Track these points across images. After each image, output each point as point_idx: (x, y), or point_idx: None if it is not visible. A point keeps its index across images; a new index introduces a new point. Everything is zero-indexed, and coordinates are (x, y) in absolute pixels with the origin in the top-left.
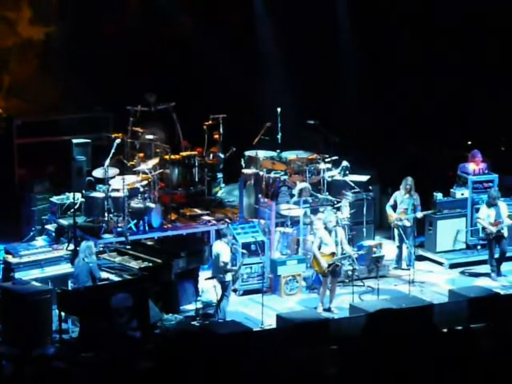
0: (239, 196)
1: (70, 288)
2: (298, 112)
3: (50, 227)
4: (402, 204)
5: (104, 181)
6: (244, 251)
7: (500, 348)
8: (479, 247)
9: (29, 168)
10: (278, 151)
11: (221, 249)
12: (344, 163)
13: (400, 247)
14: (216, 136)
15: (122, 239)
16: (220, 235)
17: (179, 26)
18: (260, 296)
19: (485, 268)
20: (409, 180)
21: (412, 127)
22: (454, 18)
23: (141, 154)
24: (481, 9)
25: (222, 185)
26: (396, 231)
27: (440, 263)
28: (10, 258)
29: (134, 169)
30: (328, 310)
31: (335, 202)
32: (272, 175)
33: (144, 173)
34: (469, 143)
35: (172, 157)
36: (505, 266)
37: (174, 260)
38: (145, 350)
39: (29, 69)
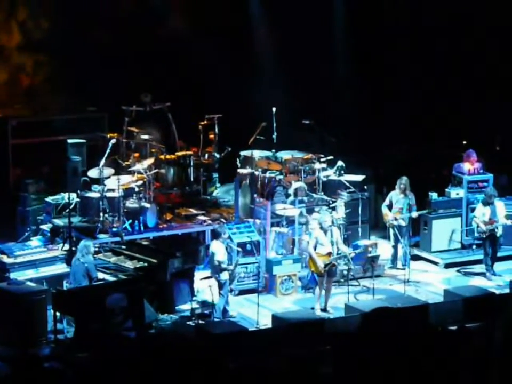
0: (234, 196)
1: (65, 288)
2: (294, 112)
3: (46, 227)
4: (397, 204)
5: (99, 181)
6: (239, 249)
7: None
8: (474, 246)
9: (24, 168)
10: (274, 150)
11: (216, 248)
12: (340, 163)
13: (395, 247)
14: (212, 136)
15: (118, 239)
16: (214, 235)
17: (174, 26)
18: (255, 296)
19: (481, 268)
20: (404, 179)
21: (407, 127)
22: (450, 18)
23: (136, 154)
24: (478, 10)
25: (218, 185)
26: (391, 230)
27: (436, 263)
28: (5, 259)
29: (129, 169)
30: (324, 310)
31: (331, 202)
32: (267, 174)
33: (139, 172)
34: (464, 142)
35: (167, 156)
36: (501, 266)
37: (169, 260)
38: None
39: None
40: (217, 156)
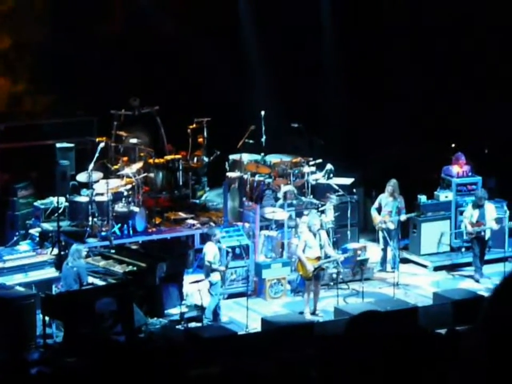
0: (223, 199)
1: (54, 292)
2: (283, 116)
3: (34, 232)
4: (386, 207)
5: (88, 185)
6: (229, 249)
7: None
8: (463, 249)
9: (13, 173)
10: (262, 154)
11: (207, 248)
12: (328, 166)
13: (384, 250)
14: (200, 139)
15: (107, 243)
16: (203, 238)
17: (163, 30)
18: (245, 300)
19: (470, 271)
20: (393, 182)
21: (396, 129)
22: (443, 19)
23: (125, 158)
24: (474, 10)
25: (207, 188)
26: (380, 233)
27: (425, 266)
28: None
29: (118, 173)
30: (313, 313)
31: (320, 205)
32: (256, 178)
33: (128, 176)
34: (453, 145)
35: (156, 160)
36: (490, 269)
37: (159, 264)
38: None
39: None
40: (206, 159)
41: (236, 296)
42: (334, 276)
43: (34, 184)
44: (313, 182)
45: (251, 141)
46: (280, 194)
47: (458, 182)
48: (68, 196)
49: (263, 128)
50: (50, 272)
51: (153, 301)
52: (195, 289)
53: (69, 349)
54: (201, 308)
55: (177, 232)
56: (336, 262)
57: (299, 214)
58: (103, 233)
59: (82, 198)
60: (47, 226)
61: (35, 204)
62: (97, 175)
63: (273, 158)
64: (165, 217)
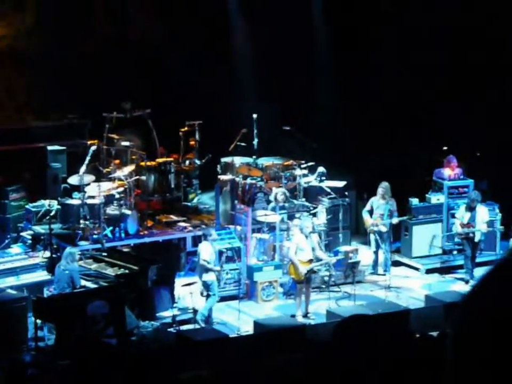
0: (215, 202)
1: (45, 295)
2: (275, 119)
3: (26, 234)
4: (378, 209)
5: (79, 187)
6: (224, 250)
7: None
8: (455, 252)
9: (4, 176)
10: (254, 157)
11: (202, 248)
12: (320, 169)
13: (376, 253)
14: (192, 142)
15: (99, 246)
16: (195, 241)
17: (154, 33)
18: (237, 303)
19: (462, 273)
20: (384, 185)
21: (388, 132)
22: (434, 19)
23: (117, 161)
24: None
25: (199, 191)
26: (372, 236)
27: (416, 269)
28: None
29: (110, 176)
30: (305, 316)
31: (312, 208)
32: (248, 181)
33: (120, 179)
34: (445, 148)
35: (148, 163)
36: (481, 271)
37: (150, 266)
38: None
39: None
40: (198, 162)
41: (228, 299)
42: (326, 278)
43: (26, 187)
44: (305, 185)
45: (243, 144)
46: (271, 197)
47: (450, 184)
48: (59, 198)
49: (255, 131)
50: (42, 275)
51: (145, 303)
52: (187, 292)
53: (61, 352)
54: (193, 311)
55: (169, 235)
56: (328, 265)
57: (291, 217)
58: (94, 236)
59: (74, 201)
60: (39, 229)
61: (27, 206)
62: (89, 177)
63: (265, 161)
64: (157, 220)
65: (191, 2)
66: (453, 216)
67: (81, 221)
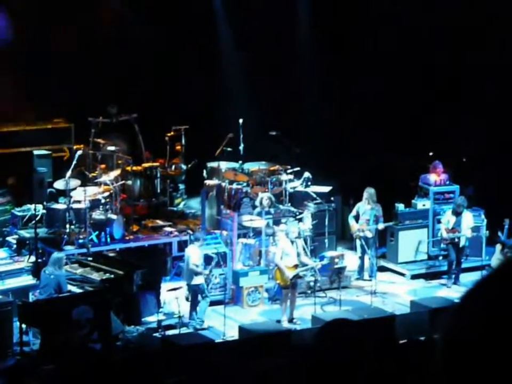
0: (201, 207)
1: (31, 300)
2: (261, 124)
3: (12, 239)
4: (364, 215)
5: (65, 192)
6: (213, 255)
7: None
8: (440, 257)
9: None
10: (240, 162)
11: (191, 252)
12: (306, 174)
13: (362, 258)
14: (178, 147)
15: (84, 250)
16: (181, 246)
17: (140, 37)
18: (222, 308)
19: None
20: (369, 190)
21: (374, 138)
22: (426, 20)
23: (103, 166)
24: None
25: (184, 196)
26: (357, 241)
27: (402, 274)
28: None
29: (96, 180)
30: (291, 321)
31: (297, 213)
32: (234, 186)
33: (105, 184)
34: (431, 154)
35: (134, 168)
36: (467, 277)
37: (136, 271)
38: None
39: None
40: (184, 167)
41: (214, 304)
42: (312, 283)
43: (11, 191)
44: (291, 190)
45: (229, 149)
46: (257, 202)
47: (435, 190)
48: (45, 203)
49: (241, 136)
50: (27, 280)
51: (130, 308)
52: (172, 297)
53: (46, 357)
54: (178, 316)
55: (154, 240)
56: (313, 270)
57: (277, 222)
58: (80, 241)
59: (60, 205)
60: (24, 233)
61: (12, 211)
62: (74, 182)
63: (251, 166)
64: (143, 224)
65: (177, 8)
66: (439, 221)
67: (67, 226)
